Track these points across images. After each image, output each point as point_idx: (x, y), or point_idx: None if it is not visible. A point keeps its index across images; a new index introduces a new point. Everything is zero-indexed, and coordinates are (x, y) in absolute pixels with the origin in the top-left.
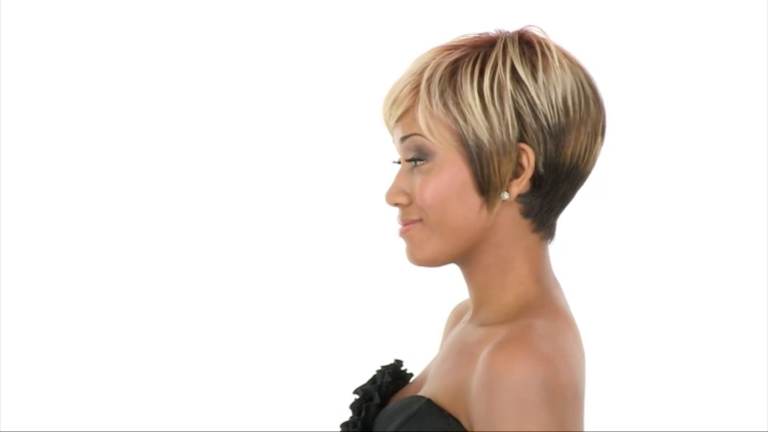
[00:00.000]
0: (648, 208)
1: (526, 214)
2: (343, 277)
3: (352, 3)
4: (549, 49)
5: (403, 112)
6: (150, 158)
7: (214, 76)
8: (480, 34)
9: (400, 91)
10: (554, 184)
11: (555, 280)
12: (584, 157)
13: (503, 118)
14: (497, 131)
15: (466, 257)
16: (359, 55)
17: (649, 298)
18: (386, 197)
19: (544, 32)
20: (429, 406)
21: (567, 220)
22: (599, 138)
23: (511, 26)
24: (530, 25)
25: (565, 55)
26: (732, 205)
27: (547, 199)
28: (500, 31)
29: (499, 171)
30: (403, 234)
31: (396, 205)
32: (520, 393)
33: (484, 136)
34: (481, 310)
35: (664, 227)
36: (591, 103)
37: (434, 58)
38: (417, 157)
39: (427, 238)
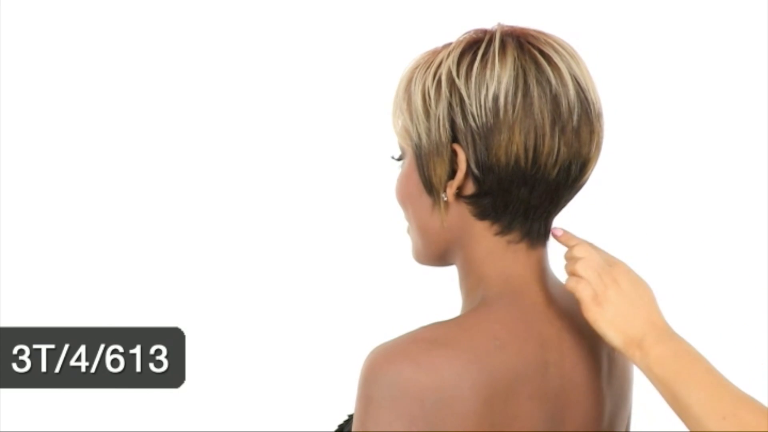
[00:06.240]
0: (648, 210)
1: (479, 216)
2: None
3: (354, 3)
4: (500, 45)
5: None
6: (150, 157)
7: (215, 76)
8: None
9: None
10: (497, 186)
11: (531, 284)
12: (527, 157)
13: (438, 119)
14: (433, 132)
15: (450, 258)
16: (360, 55)
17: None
18: None
19: (523, 27)
20: None
21: (565, 220)
22: (551, 139)
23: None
24: (500, 23)
25: (526, 51)
26: (733, 205)
27: (498, 201)
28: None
29: (436, 171)
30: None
31: None
32: (368, 390)
33: (423, 136)
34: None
35: (664, 229)
36: (535, 101)
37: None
38: (400, 155)
39: (412, 237)
